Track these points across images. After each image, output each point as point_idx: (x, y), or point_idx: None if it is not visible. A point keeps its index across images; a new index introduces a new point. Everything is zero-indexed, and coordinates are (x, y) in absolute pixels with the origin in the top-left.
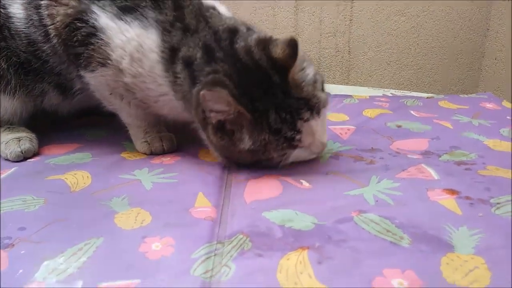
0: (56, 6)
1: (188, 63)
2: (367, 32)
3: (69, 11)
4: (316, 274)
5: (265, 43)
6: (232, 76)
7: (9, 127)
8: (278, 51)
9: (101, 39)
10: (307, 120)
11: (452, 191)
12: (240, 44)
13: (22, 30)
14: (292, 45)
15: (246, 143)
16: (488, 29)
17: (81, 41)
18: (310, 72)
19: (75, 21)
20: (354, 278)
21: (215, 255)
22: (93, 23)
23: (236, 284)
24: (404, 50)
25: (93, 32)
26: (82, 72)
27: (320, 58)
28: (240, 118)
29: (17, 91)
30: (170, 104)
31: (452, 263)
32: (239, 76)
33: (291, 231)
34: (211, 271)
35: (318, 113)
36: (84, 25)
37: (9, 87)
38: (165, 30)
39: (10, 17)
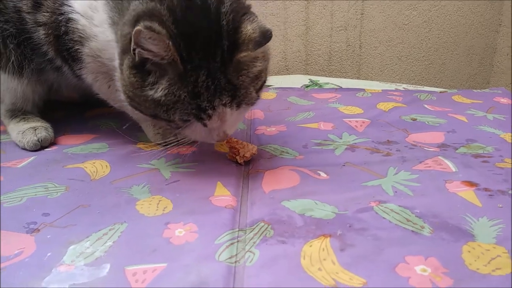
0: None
1: None
2: (379, 26)
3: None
4: (339, 260)
5: (244, 10)
6: (175, 12)
7: (24, 117)
8: (248, 28)
9: (73, 19)
10: (225, 105)
11: (470, 183)
12: None
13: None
14: (266, 36)
15: (158, 92)
16: (500, 24)
17: (65, 32)
18: (258, 66)
19: (58, 17)
20: (378, 264)
21: (238, 241)
22: (67, 9)
23: (261, 269)
24: (415, 44)
25: (68, 17)
26: (77, 68)
27: (331, 52)
28: (169, 66)
29: (24, 69)
30: None
31: (474, 252)
32: (186, 15)
33: (312, 220)
34: (235, 256)
35: (239, 106)
36: (63, 17)
37: (9, 64)
38: None
39: None
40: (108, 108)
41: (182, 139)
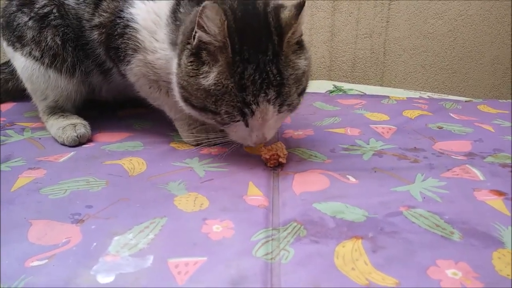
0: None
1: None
2: (403, 34)
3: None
4: (372, 261)
5: (281, 6)
6: (236, 12)
7: (62, 115)
8: (285, 13)
9: (133, 27)
10: (269, 101)
11: (499, 192)
12: None
13: (73, 7)
14: (298, 5)
15: (209, 79)
16: None
17: (120, 34)
18: (303, 63)
19: (116, 19)
20: (409, 266)
21: (272, 239)
22: (128, 17)
23: (297, 267)
24: (439, 53)
25: (127, 24)
26: (122, 68)
27: (355, 58)
28: (220, 52)
29: (76, 70)
30: None
31: (504, 258)
32: (243, 17)
33: (344, 222)
34: (271, 253)
35: (281, 106)
36: (121, 21)
37: (65, 65)
38: None
39: None
40: (139, 109)
41: (214, 139)
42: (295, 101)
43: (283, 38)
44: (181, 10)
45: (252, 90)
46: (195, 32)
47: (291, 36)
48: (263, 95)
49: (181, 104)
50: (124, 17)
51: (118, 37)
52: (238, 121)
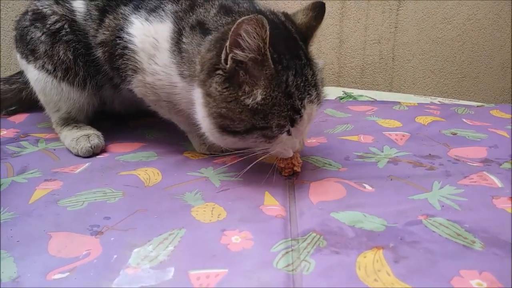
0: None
1: (198, 23)
2: (412, 39)
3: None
4: (394, 272)
5: (287, 13)
6: None
7: (76, 125)
8: (300, 17)
9: (131, 49)
10: (312, 101)
11: None
12: (263, 7)
13: (81, 23)
14: (318, 7)
15: (257, 97)
16: None
17: (120, 54)
18: (319, 63)
19: (116, 39)
20: (433, 277)
21: (292, 250)
22: (127, 37)
23: (319, 278)
24: (448, 58)
25: (126, 45)
26: (127, 87)
27: (364, 65)
28: (261, 65)
29: (87, 84)
30: (185, 97)
31: None
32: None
33: (363, 232)
34: (292, 265)
35: (319, 103)
36: (121, 41)
37: (77, 78)
38: (177, 19)
39: (74, 10)
40: (151, 119)
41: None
42: (323, 96)
43: (308, 41)
44: (184, 40)
45: (298, 95)
46: (227, 55)
47: (312, 39)
48: (308, 96)
49: (215, 135)
50: (123, 37)
51: (118, 57)
52: (284, 131)
